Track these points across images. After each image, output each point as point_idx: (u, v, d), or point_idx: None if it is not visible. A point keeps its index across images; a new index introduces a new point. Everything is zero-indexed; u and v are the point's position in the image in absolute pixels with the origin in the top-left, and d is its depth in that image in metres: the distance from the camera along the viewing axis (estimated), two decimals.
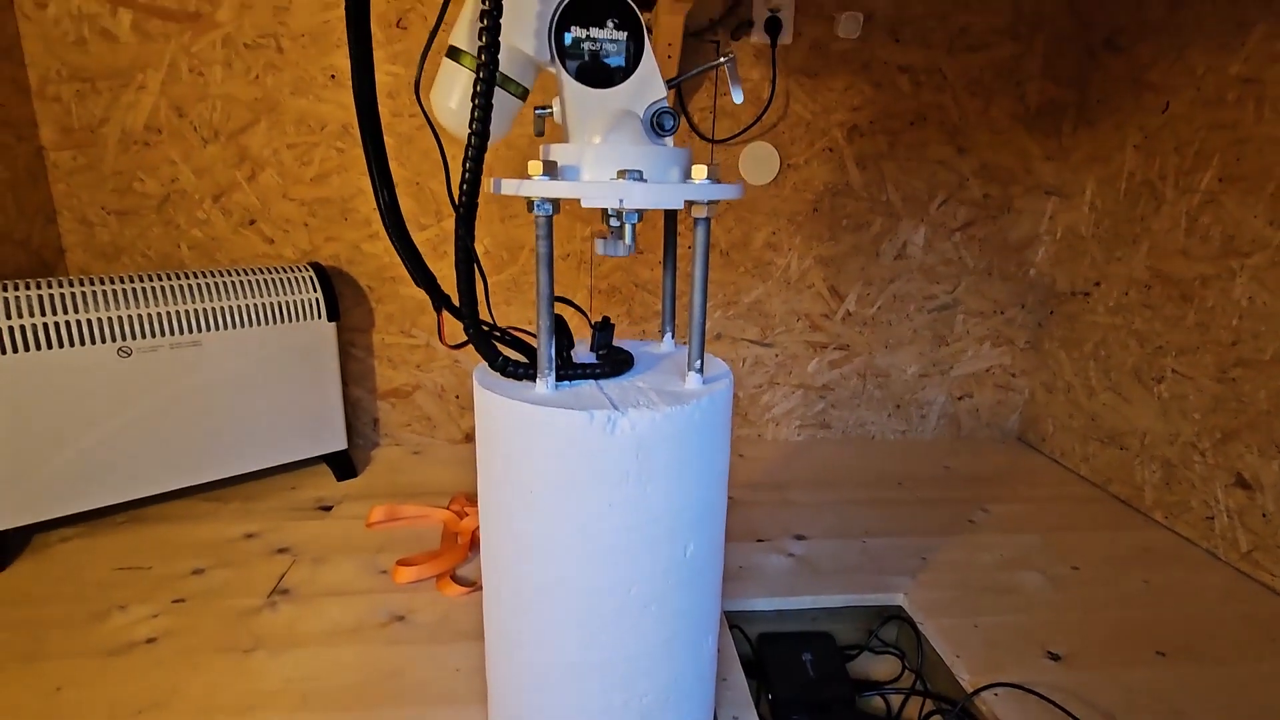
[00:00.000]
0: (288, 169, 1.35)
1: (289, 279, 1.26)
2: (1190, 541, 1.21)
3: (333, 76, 1.32)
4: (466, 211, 0.53)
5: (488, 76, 0.50)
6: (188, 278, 1.17)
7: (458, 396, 1.54)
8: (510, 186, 0.55)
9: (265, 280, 1.23)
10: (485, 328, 0.61)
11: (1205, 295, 1.18)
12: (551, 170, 0.54)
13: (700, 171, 0.56)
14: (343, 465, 1.38)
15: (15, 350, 1.01)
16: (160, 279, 1.14)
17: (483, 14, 0.49)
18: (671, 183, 0.56)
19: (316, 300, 1.28)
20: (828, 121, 1.45)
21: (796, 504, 1.31)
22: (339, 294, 1.42)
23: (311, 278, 1.29)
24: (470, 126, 0.52)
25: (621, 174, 0.52)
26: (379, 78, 1.33)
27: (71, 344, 1.05)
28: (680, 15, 1.20)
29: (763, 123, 1.43)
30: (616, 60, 0.56)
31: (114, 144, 1.30)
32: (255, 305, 1.21)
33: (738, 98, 0.62)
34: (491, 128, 0.54)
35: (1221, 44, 1.16)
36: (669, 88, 0.60)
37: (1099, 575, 1.09)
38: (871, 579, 1.06)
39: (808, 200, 1.49)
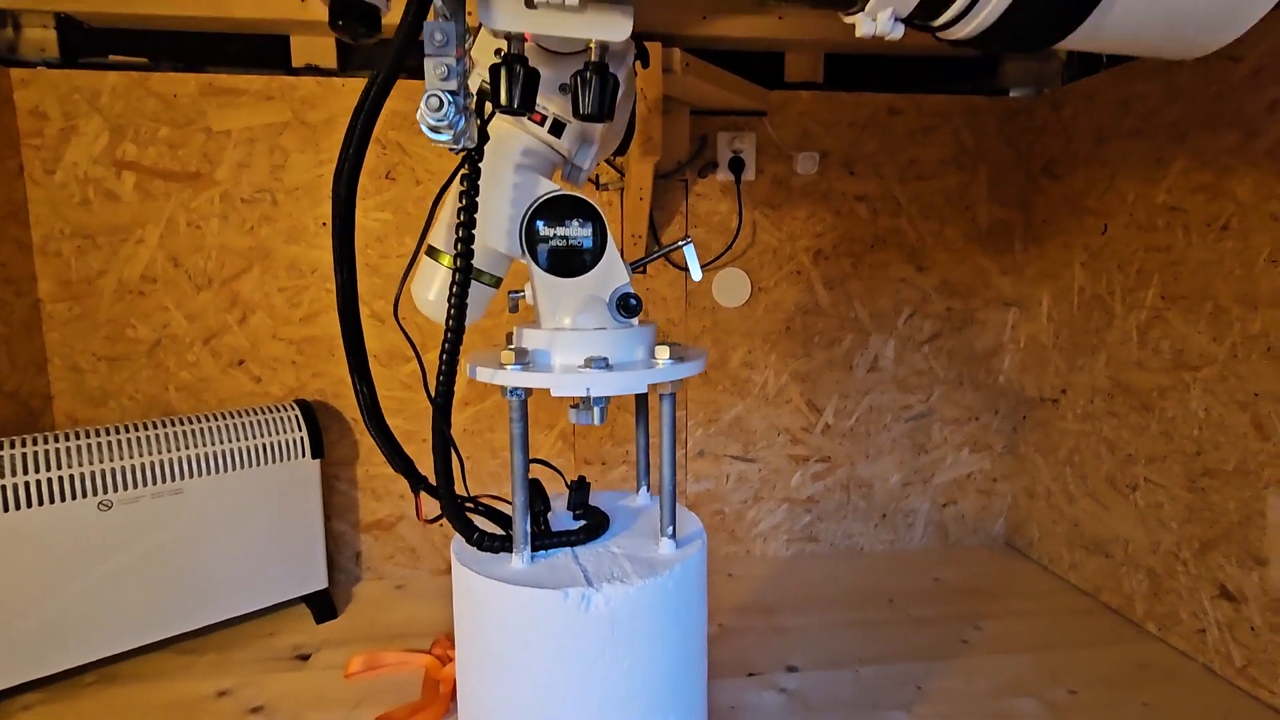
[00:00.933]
0: (278, 311, 1.41)
1: (273, 419, 1.28)
2: (1186, 655, 1.19)
3: (324, 224, 1.40)
4: (444, 401, 0.57)
5: (463, 280, 0.54)
6: (171, 425, 1.19)
7: (442, 525, 1.52)
8: (485, 375, 0.58)
9: (249, 423, 1.25)
10: (461, 500, 0.63)
11: (1165, 406, 1.23)
12: (523, 357, 0.58)
13: (663, 352, 0.60)
14: (323, 606, 1.34)
15: None
16: (143, 428, 1.16)
17: (458, 225, 0.54)
18: (637, 362, 0.60)
19: (301, 439, 1.29)
20: (794, 247, 1.54)
21: (787, 630, 1.29)
22: (324, 428, 1.44)
23: (296, 416, 1.31)
24: (446, 324, 0.56)
25: (589, 362, 0.56)
26: (369, 224, 1.41)
27: (52, 501, 1.05)
28: (650, 164, 1.30)
29: (733, 251, 1.52)
30: (582, 252, 0.61)
31: (110, 294, 1.35)
32: (239, 449, 1.22)
33: (696, 276, 0.67)
34: (467, 315, 0.58)
35: (1146, 176, 1.26)
36: (633, 270, 0.65)
37: (1097, 699, 1.07)
38: (867, 716, 1.03)
39: (780, 320, 1.56)
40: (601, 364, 0.56)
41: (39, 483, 1.04)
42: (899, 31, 0.41)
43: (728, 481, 1.60)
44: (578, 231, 0.60)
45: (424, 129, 0.44)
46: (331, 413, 1.45)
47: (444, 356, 0.56)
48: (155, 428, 1.17)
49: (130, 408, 1.39)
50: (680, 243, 0.68)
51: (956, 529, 1.69)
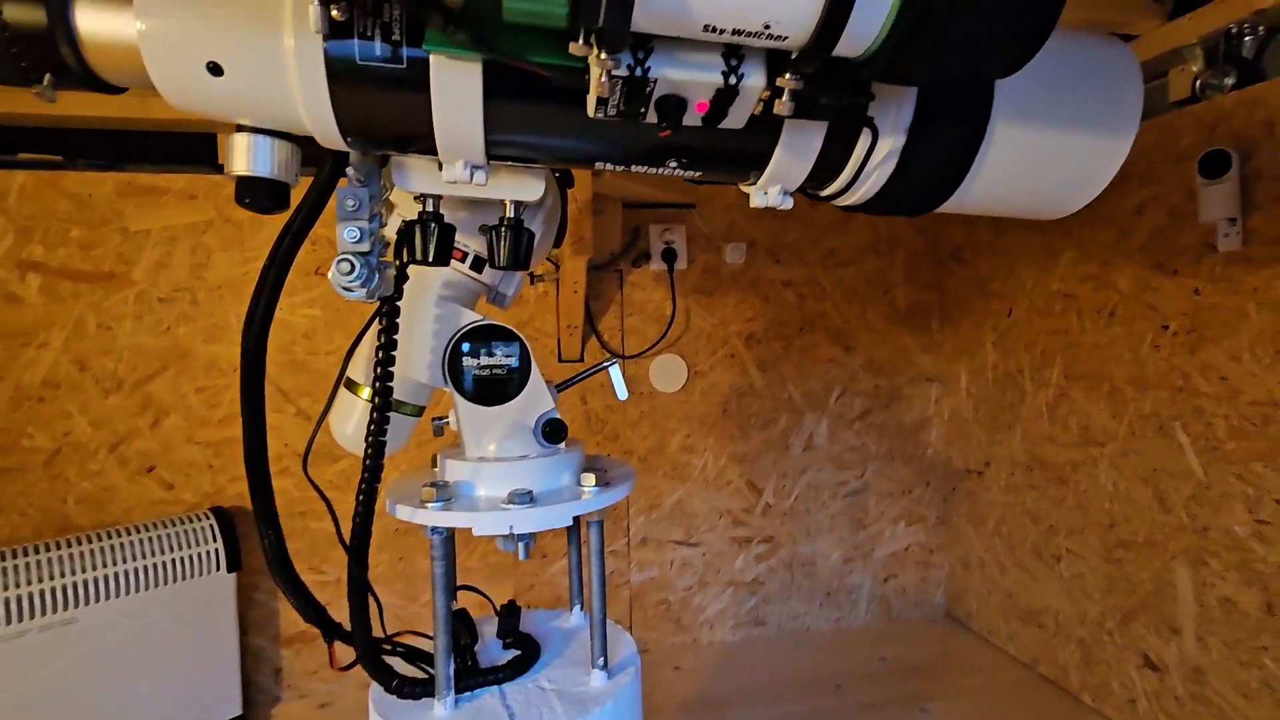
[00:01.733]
0: (194, 412, 1.34)
1: (184, 531, 1.20)
2: None
3: None
4: (359, 544, 0.54)
5: (380, 420, 0.53)
6: (61, 547, 1.09)
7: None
8: (405, 514, 0.56)
9: (155, 537, 1.17)
10: (378, 641, 0.60)
11: (1077, 479, 1.30)
12: (445, 492, 0.57)
13: (589, 479, 0.59)
14: None
15: None
16: (27, 553, 1.06)
17: (376, 365, 0.53)
18: (563, 490, 0.60)
19: (216, 551, 1.21)
20: (727, 331, 1.58)
21: None
22: (242, 535, 1.35)
23: (211, 526, 1.23)
24: (364, 462, 0.54)
25: (512, 496, 0.55)
26: (296, 320, 1.38)
27: None
28: (583, 260, 1.32)
29: (668, 337, 1.55)
30: (506, 380, 0.61)
31: (4, 401, 1.26)
32: (143, 568, 1.13)
33: (622, 396, 0.68)
34: (389, 445, 0.57)
35: (1041, 264, 1.37)
36: (557, 392, 0.65)
37: None
38: None
39: (716, 403, 1.58)
40: (525, 498, 0.55)
41: None
42: (789, 203, 0.44)
43: (672, 568, 1.58)
44: (501, 360, 0.61)
45: (336, 289, 0.44)
46: (251, 518, 1.37)
47: (360, 497, 0.54)
48: (42, 551, 1.07)
49: (21, 524, 1.27)
50: (605, 363, 0.69)
51: (899, 602, 1.70)
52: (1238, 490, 1.02)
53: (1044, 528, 1.38)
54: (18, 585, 1.02)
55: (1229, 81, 1.05)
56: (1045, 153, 0.41)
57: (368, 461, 0.54)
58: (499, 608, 0.69)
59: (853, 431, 1.65)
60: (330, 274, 0.43)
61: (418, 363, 0.60)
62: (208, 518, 1.24)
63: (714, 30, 0.30)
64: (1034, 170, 0.42)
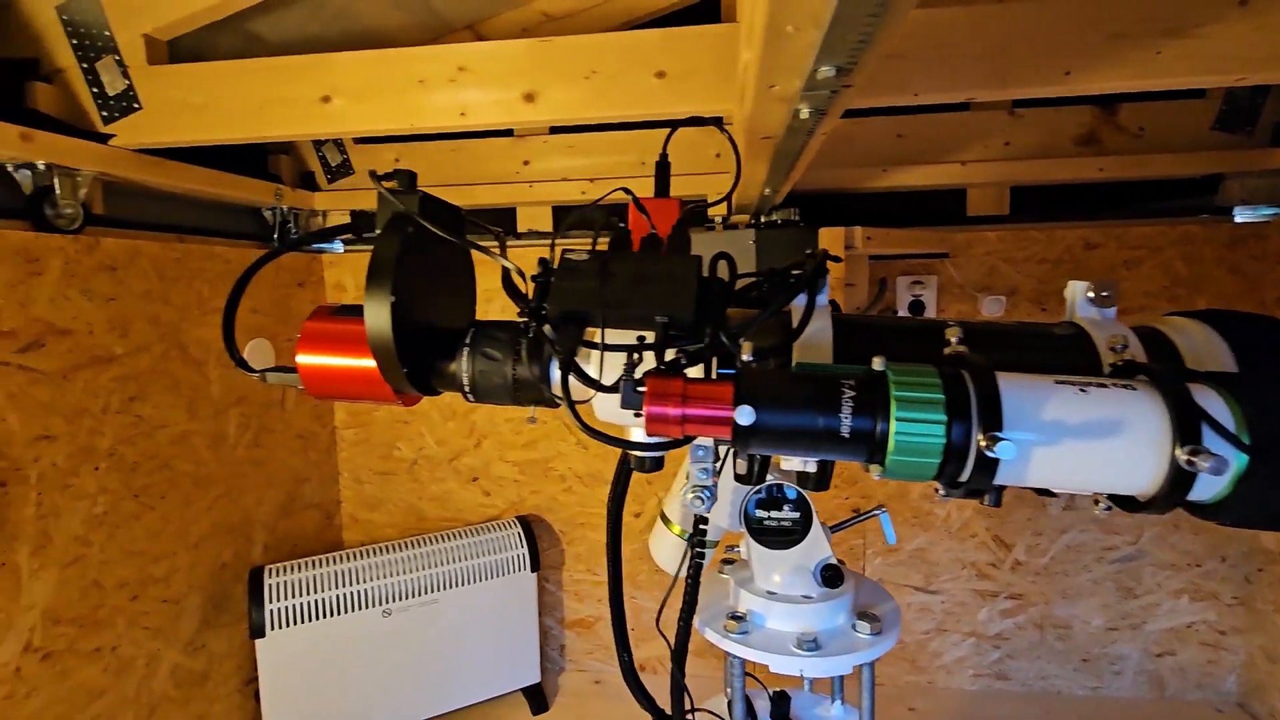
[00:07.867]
0: (504, 438, 1.67)
1: (502, 537, 1.53)
2: None
3: None
4: (679, 651, 0.71)
5: (691, 599, 0.68)
6: (429, 543, 1.47)
7: (633, 629, 1.69)
8: (713, 637, 0.71)
9: (485, 541, 1.51)
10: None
11: None
12: (743, 625, 0.71)
13: (864, 627, 0.69)
14: (536, 697, 1.57)
15: (316, 618, 1.33)
16: (410, 546, 1.45)
17: (692, 538, 0.68)
18: (840, 632, 0.70)
19: (523, 555, 1.53)
20: None
21: None
22: (537, 536, 1.68)
23: (519, 533, 1.55)
24: (685, 598, 0.70)
25: (801, 642, 0.67)
26: None
27: (350, 610, 1.36)
28: None
29: None
30: (791, 530, 0.72)
31: (382, 422, 1.70)
32: (477, 566, 1.48)
33: (891, 541, 0.76)
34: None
35: None
36: (831, 534, 0.75)
37: None
38: None
39: None
40: (812, 645, 0.67)
41: (341, 597, 1.36)
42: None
43: (909, 611, 1.61)
44: (788, 515, 0.72)
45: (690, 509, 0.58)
46: (544, 525, 1.69)
47: (681, 623, 0.70)
48: (413, 546, 1.46)
49: (394, 511, 1.73)
50: (875, 511, 0.77)
51: (1176, 682, 1.54)
52: None
53: None
54: (404, 572, 1.41)
55: None
56: None
57: (687, 599, 0.69)
58: (772, 694, 0.83)
59: None
60: (687, 501, 0.57)
61: (719, 514, 0.74)
62: (515, 525, 1.57)
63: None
64: None
